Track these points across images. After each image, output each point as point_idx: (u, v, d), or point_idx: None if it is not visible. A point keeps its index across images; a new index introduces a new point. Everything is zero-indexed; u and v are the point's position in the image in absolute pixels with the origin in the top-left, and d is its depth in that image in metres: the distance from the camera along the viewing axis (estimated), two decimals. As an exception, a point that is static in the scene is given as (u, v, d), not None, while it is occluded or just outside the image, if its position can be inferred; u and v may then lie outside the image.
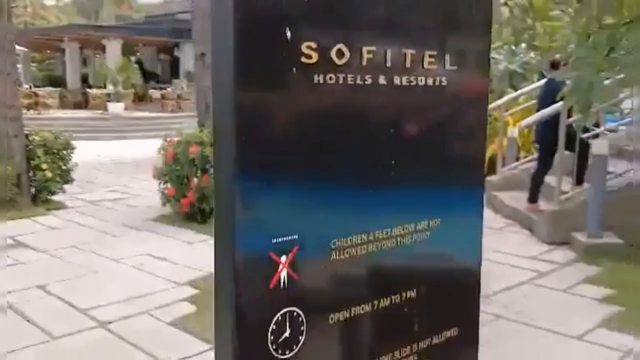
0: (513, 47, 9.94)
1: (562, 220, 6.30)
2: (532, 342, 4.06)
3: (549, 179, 7.01)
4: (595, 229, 5.93)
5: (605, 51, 4.54)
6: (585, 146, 6.50)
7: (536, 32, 9.67)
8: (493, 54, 10.25)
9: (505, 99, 8.99)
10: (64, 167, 8.32)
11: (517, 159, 8.86)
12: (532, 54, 9.78)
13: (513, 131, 8.81)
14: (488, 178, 8.73)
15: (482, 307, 4.51)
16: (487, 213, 8.01)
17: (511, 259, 5.90)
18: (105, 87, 24.35)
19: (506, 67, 9.60)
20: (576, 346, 4.00)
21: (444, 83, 1.63)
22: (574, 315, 4.50)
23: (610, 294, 4.90)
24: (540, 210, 6.77)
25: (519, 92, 9.25)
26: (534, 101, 9.20)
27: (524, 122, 7.05)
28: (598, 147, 5.91)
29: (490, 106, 9.50)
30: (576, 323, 4.31)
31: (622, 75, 4.40)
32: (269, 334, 1.44)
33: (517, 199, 7.71)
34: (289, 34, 1.34)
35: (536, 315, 4.46)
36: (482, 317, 4.27)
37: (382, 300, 1.64)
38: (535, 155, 8.59)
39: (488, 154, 9.35)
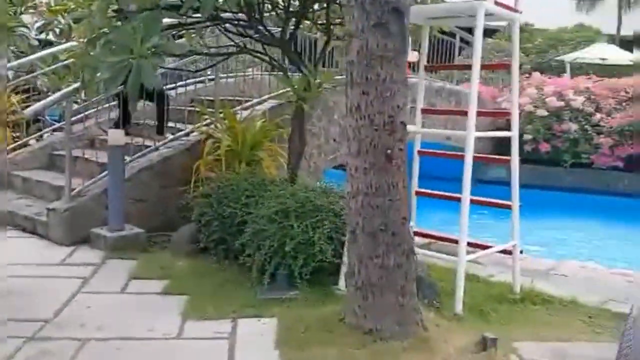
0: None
1: (78, 217, 5.89)
2: (136, 356, 3.75)
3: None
4: (118, 222, 5.80)
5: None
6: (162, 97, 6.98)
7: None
8: None
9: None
10: None
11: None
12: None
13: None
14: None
15: (58, 335, 3.89)
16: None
17: (41, 270, 5.17)
18: None
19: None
20: (186, 345, 3.91)
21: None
22: (154, 314, 4.34)
23: (165, 286, 4.91)
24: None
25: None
26: None
27: (29, 110, 6.09)
28: (114, 137, 5.75)
29: None
30: (164, 322, 4.18)
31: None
32: None
33: (11, 201, 6.70)
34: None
35: (120, 326, 4.11)
36: (69, 345, 3.68)
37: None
38: None
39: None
